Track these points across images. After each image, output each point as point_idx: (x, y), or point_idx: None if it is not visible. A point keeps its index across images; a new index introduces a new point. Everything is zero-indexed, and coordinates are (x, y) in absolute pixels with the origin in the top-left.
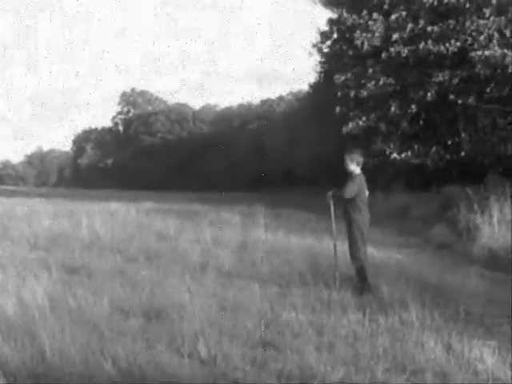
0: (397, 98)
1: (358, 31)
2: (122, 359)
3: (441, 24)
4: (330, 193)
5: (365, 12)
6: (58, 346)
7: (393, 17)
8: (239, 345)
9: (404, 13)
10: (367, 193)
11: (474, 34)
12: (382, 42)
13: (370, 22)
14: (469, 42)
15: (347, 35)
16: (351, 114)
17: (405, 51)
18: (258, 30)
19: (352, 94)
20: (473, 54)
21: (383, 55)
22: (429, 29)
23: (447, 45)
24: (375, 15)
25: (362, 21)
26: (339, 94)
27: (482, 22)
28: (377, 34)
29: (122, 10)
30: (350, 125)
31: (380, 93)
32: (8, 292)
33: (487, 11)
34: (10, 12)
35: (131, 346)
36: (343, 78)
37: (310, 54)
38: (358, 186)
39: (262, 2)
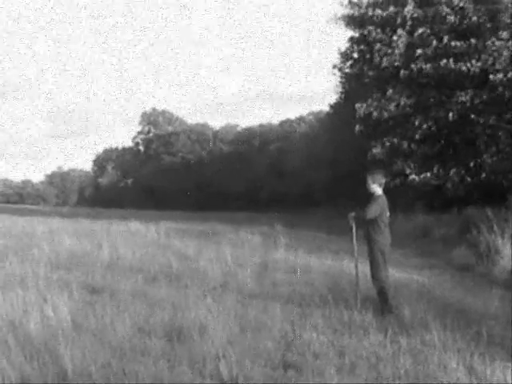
0: (418, 117)
1: (378, 44)
2: (144, 380)
3: (462, 42)
4: (352, 214)
5: (388, 29)
6: (80, 365)
7: (419, 31)
8: (260, 365)
9: (428, 30)
10: (388, 214)
11: (495, 54)
12: (403, 62)
13: (394, 37)
14: (489, 62)
15: (367, 55)
16: (373, 142)
17: (427, 67)
18: (277, 49)
19: (374, 115)
20: (494, 77)
21: (403, 73)
22: (452, 44)
23: (468, 64)
24: (399, 31)
25: (384, 36)
26: (360, 114)
27: (500, 43)
28: (397, 51)
29: (141, 29)
30: (374, 150)
31: (401, 114)
32: (31, 311)
33: (504, 33)
34: (30, 30)
35: (153, 366)
36: (364, 105)
37: (333, 74)
38: (379, 207)
39: (281, 20)
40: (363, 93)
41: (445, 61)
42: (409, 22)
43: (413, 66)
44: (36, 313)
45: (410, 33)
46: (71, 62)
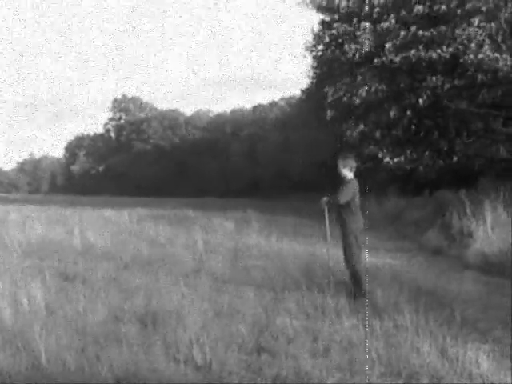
0: (390, 103)
1: (348, 42)
2: (118, 366)
3: (432, 30)
4: (325, 198)
5: (355, 20)
6: (54, 353)
7: (384, 25)
8: (234, 350)
9: (393, 20)
10: (358, 197)
11: (465, 41)
12: (374, 49)
13: (358, 33)
14: (460, 49)
15: (339, 40)
16: (345, 125)
17: (397, 59)
18: (249, 35)
19: (344, 99)
20: (465, 57)
21: (375, 61)
22: (420, 33)
23: (439, 51)
24: (363, 25)
25: (352, 29)
26: (330, 99)
27: (471, 29)
28: (366, 42)
29: (113, 15)
30: (348, 133)
31: (372, 99)
32: (3, 299)
33: (476, 20)
34: None
35: (127, 352)
36: (333, 89)
37: (304, 56)
38: (352, 191)
39: (253, 6)
40: (335, 78)
41: (414, 51)
42: (376, 10)
43: (383, 58)
44: (9, 300)
45: (377, 23)
46: (43, 50)
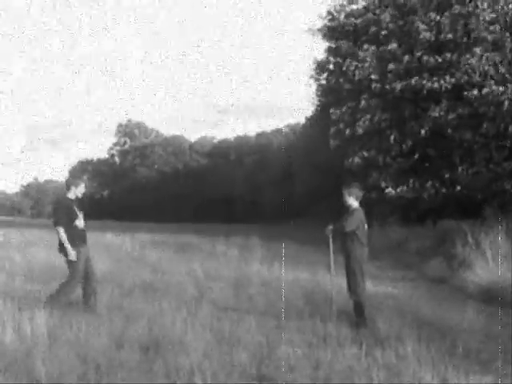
0: (393, 131)
1: (348, 59)
2: None
3: (437, 57)
4: (330, 226)
5: (359, 42)
6: (55, 378)
7: (388, 47)
8: (235, 378)
9: (395, 45)
10: (366, 227)
11: (469, 71)
12: (377, 75)
13: (361, 53)
14: (464, 78)
15: (343, 67)
16: (350, 151)
17: (398, 86)
18: (256, 61)
19: (347, 130)
20: (469, 93)
21: (377, 87)
22: (424, 58)
23: (442, 81)
24: (366, 46)
25: (355, 50)
26: (332, 129)
27: (474, 60)
28: (367, 64)
29: (118, 40)
30: (351, 159)
31: (376, 128)
32: (6, 324)
33: (478, 49)
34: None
35: (128, 378)
36: (338, 112)
37: (309, 85)
38: (357, 220)
39: (260, 33)
40: (339, 104)
41: (416, 78)
42: (382, 32)
43: (387, 86)
44: (12, 325)
45: (380, 46)
46: (48, 75)
